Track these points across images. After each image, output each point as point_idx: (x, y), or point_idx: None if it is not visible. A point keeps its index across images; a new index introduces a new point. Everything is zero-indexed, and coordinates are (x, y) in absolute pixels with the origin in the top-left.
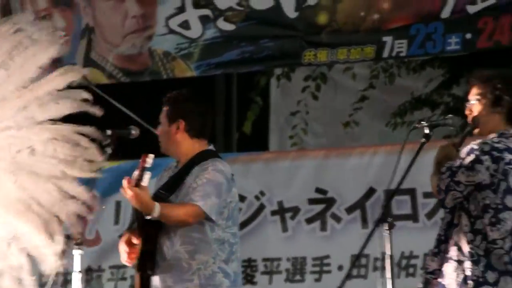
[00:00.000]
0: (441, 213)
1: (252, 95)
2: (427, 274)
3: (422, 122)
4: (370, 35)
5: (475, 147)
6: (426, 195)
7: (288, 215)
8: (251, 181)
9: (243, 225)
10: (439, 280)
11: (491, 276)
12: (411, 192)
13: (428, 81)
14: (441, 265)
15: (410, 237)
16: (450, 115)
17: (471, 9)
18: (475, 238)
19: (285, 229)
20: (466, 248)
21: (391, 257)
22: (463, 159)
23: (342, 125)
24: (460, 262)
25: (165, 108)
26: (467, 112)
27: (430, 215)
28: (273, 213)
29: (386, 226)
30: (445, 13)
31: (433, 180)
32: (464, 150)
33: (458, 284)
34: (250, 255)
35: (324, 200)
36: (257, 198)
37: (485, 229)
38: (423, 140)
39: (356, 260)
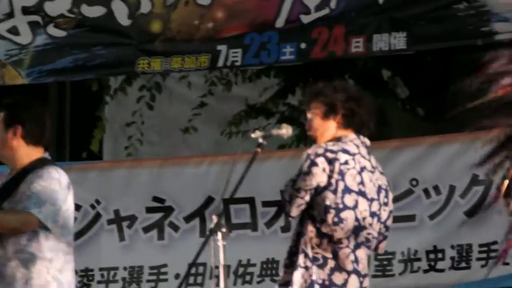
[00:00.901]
0: (281, 222)
1: (99, 112)
2: (280, 286)
3: (256, 131)
4: (205, 44)
5: (310, 151)
6: (265, 204)
7: (125, 223)
8: (86, 190)
9: (80, 234)
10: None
11: (338, 278)
12: (250, 201)
13: (263, 90)
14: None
15: (249, 245)
16: (284, 124)
17: (305, 19)
18: (322, 242)
19: (122, 238)
20: (311, 253)
21: (224, 266)
22: (301, 166)
23: (178, 132)
24: (307, 268)
25: (1, 114)
26: (307, 128)
27: (269, 224)
28: (110, 222)
29: (220, 236)
30: (279, 23)
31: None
32: (302, 157)
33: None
34: (87, 265)
35: (161, 209)
36: (92, 207)
37: (330, 230)
38: (257, 149)
39: (190, 268)
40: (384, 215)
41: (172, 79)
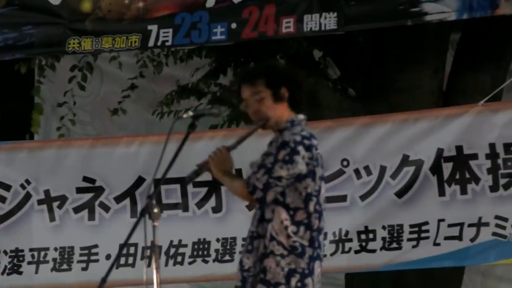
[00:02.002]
0: (212, 202)
1: (33, 93)
2: (243, 272)
3: (188, 112)
4: (135, 23)
5: (287, 139)
6: (196, 184)
7: (55, 204)
8: (16, 170)
9: (10, 214)
10: (262, 276)
11: (317, 266)
12: (181, 181)
13: (194, 71)
14: (255, 262)
15: (180, 226)
16: (215, 105)
17: None
18: (299, 229)
19: (52, 218)
20: (287, 241)
21: (156, 246)
22: (276, 153)
23: (110, 112)
24: (283, 256)
25: None
26: (252, 112)
27: (200, 204)
28: (40, 202)
29: (151, 216)
30: (210, 2)
31: (234, 185)
32: (273, 146)
33: (284, 277)
34: (17, 245)
35: (92, 189)
36: (22, 187)
37: (306, 218)
38: (189, 130)
39: (121, 249)
40: (323, 191)
41: (104, 60)
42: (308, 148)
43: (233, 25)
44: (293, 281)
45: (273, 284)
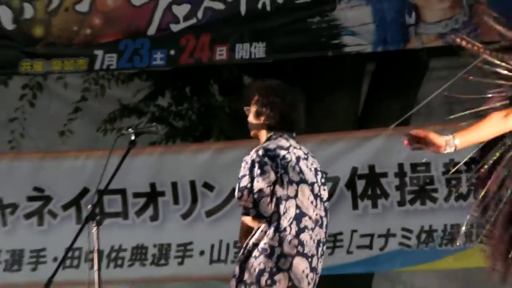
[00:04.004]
0: (150, 211)
1: None
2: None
3: (129, 129)
4: (83, 48)
5: (253, 157)
6: (136, 195)
7: (7, 210)
8: None
9: None
10: (241, 277)
11: (284, 263)
12: (122, 192)
13: (136, 92)
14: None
15: (120, 232)
16: (154, 124)
17: (175, 27)
18: (268, 232)
19: (4, 223)
20: (260, 244)
21: (98, 250)
22: (250, 173)
23: (58, 133)
24: (255, 258)
25: None
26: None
27: (138, 213)
28: None
29: (94, 223)
30: (151, 31)
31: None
32: (244, 166)
33: (255, 277)
34: None
35: (41, 198)
36: None
37: (276, 220)
38: (129, 146)
39: (67, 252)
40: (324, 194)
41: (52, 80)
42: (273, 158)
43: (172, 52)
44: (263, 280)
45: (248, 284)
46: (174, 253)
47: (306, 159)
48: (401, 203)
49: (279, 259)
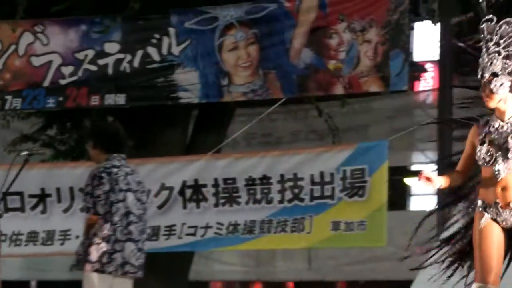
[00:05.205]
0: (40, 207)
1: None
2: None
3: (25, 151)
4: None
5: (95, 173)
6: (30, 196)
7: None
8: None
9: None
10: (87, 257)
11: (118, 246)
12: (20, 194)
13: (32, 125)
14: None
15: (19, 221)
16: (43, 148)
17: (62, 81)
18: (106, 226)
19: None
20: (101, 234)
21: (1, 233)
22: (92, 183)
23: None
24: (98, 244)
25: None
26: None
27: (32, 208)
28: None
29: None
30: (46, 83)
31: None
32: (89, 178)
33: (98, 257)
34: None
35: None
36: None
37: (111, 217)
38: (24, 162)
39: None
40: (144, 198)
41: None
42: (109, 174)
43: (60, 98)
44: (104, 259)
45: (92, 262)
46: (57, 237)
47: (132, 174)
48: (216, 205)
49: (114, 244)
